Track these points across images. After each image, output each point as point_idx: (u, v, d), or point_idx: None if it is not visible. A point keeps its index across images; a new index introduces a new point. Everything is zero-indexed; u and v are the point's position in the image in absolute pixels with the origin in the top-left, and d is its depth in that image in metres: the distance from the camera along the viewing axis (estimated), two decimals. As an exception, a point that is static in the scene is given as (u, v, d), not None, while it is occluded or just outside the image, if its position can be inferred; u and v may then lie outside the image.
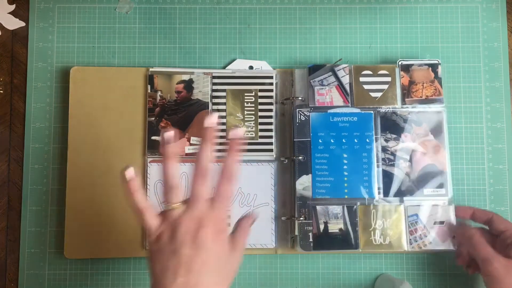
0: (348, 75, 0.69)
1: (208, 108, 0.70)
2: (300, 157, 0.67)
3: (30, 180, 0.70)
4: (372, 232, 0.66)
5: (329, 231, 0.66)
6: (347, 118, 0.68)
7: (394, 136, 0.68)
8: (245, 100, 0.70)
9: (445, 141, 0.68)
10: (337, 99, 0.69)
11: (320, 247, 0.66)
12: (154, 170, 0.69)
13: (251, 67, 0.72)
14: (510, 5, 0.74)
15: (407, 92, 0.69)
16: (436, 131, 0.68)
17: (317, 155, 0.68)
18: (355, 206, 0.67)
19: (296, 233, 0.66)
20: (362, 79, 0.69)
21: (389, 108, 0.69)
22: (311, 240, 0.66)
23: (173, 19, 0.73)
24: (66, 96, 0.70)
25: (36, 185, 0.70)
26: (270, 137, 0.70)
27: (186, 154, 0.69)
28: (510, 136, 0.72)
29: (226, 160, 0.53)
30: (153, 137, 0.69)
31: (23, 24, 0.73)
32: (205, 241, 0.48)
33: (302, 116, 0.68)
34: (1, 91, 0.72)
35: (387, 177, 0.67)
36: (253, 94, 0.70)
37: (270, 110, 0.70)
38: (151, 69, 0.70)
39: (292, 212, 0.68)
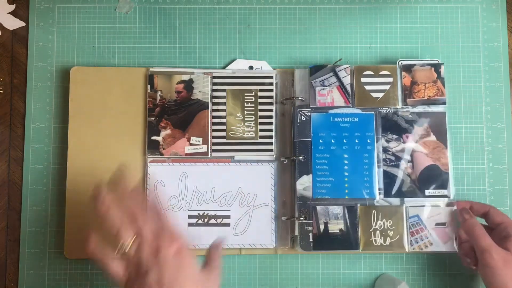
0: (349, 76, 0.69)
1: (208, 108, 0.70)
2: (301, 157, 0.67)
3: (30, 180, 0.70)
4: (372, 233, 0.66)
5: (329, 231, 0.66)
6: (348, 119, 0.68)
7: (395, 136, 0.68)
8: (245, 100, 0.70)
9: (448, 141, 0.68)
10: (338, 100, 0.69)
11: (320, 248, 0.66)
12: (154, 170, 0.69)
13: (251, 67, 0.72)
14: (510, 5, 0.74)
15: (409, 93, 0.69)
16: (438, 131, 0.68)
17: (318, 155, 0.68)
18: (355, 207, 0.67)
19: (296, 233, 0.67)
20: (363, 79, 0.69)
21: (390, 108, 0.69)
22: (311, 240, 0.66)
23: (173, 19, 0.73)
24: (66, 96, 0.70)
25: (36, 185, 0.70)
26: (270, 137, 0.70)
27: (186, 154, 0.69)
28: (510, 136, 0.72)
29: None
30: (153, 137, 0.69)
31: (23, 24, 0.73)
32: (167, 256, 0.50)
33: (302, 116, 0.68)
34: (1, 91, 0.72)
35: (388, 178, 0.67)
36: (253, 94, 0.70)
37: (270, 110, 0.70)
38: (151, 69, 0.70)
39: (292, 212, 0.68)
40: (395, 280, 0.66)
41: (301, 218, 0.66)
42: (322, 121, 0.68)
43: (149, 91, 0.70)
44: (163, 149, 0.69)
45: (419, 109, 0.69)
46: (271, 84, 0.71)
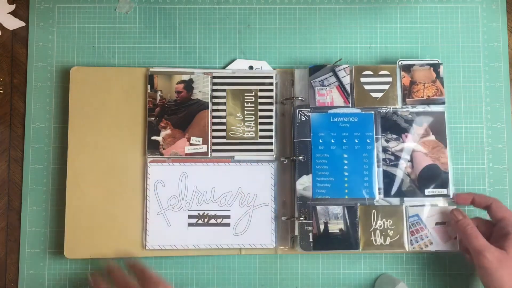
0: (348, 76, 0.69)
1: (208, 108, 0.70)
2: (301, 157, 0.68)
3: (30, 180, 0.70)
4: (372, 233, 0.66)
5: (329, 231, 0.66)
6: (348, 119, 0.68)
7: (394, 136, 0.68)
8: (245, 100, 0.70)
9: (447, 141, 0.68)
10: (338, 100, 0.69)
11: (320, 247, 0.66)
12: (154, 170, 0.69)
13: (251, 67, 0.72)
14: (510, 5, 0.74)
15: (408, 92, 0.69)
16: (438, 131, 0.68)
17: (318, 155, 0.68)
18: (355, 207, 0.67)
19: (296, 233, 0.67)
20: (362, 79, 0.69)
21: (390, 108, 0.69)
22: (311, 240, 0.66)
23: (173, 19, 0.73)
24: (66, 96, 0.70)
25: (36, 185, 0.70)
26: (270, 137, 0.70)
27: (186, 154, 0.69)
28: (510, 136, 0.72)
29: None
30: (153, 137, 0.69)
31: (23, 24, 0.73)
32: None
33: (302, 116, 0.68)
34: (1, 91, 0.72)
35: (388, 177, 0.67)
36: (253, 94, 0.70)
37: (270, 110, 0.70)
38: (151, 69, 0.70)
39: (292, 212, 0.68)
40: (394, 280, 0.66)
41: (301, 218, 0.66)
42: (321, 121, 0.68)
43: (149, 91, 0.70)
44: (163, 149, 0.69)
45: (419, 108, 0.69)
46: (271, 84, 0.71)
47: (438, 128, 0.68)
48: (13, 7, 0.73)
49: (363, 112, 0.69)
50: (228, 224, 0.68)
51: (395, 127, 0.68)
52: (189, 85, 0.70)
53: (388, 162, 0.68)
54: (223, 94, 0.70)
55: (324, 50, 0.73)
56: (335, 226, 0.66)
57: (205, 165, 0.69)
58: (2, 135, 0.71)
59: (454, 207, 0.67)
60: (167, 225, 0.68)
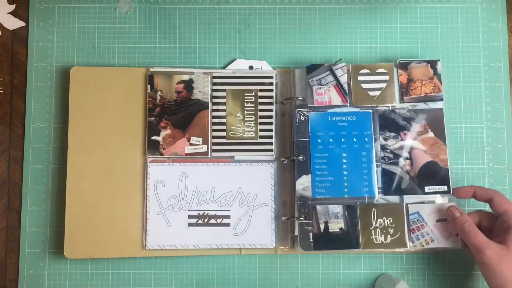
0: (346, 74, 0.69)
1: (208, 108, 0.70)
2: (300, 157, 0.67)
3: (30, 180, 0.70)
4: (373, 231, 0.66)
5: (330, 230, 0.66)
6: (346, 118, 0.68)
7: (393, 134, 0.68)
8: (245, 100, 0.70)
9: (446, 137, 0.68)
10: (336, 99, 0.69)
11: (321, 247, 0.66)
12: (154, 170, 0.69)
13: (251, 67, 0.72)
14: (510, 5, 0.74)
15: (405, 90, 0.69)
16: (436, 128, 0.68)
17: (317, 155, 0.68)
18: (355, 205, 0.67)
19: (296, 233, 0.66)
20: (360, 78, 0.69)
21: (388, 106, 0.69)
22: (311, 240, 0.66)
23: (173, 19, 0.73)
24: (66, 96, 0.70)
25: (36, 185, 0.70)
26: (270, 137, 0.70)
27: (186, 154, 0.69)
28: (510, 136, 0.72)
29: None
30: (153, 137, 0.69)
31: (23, 24, 0.73)
32: None
33: (301, 116, 0.68)
34: (1, 91, 0.72)
35: (387, 176, 0.67)
36: (253, 94, 0.70)
37: (270, 110, 0.70)
38: (151, 69, 0.70)
39: (292, 212, 0.68)
40: (394, 279, 0.66)
41: (301, 218, 0.66)
42: (320, 121, 0.68)
43: (149, 91, 0.70)
44: (163, 149, 0.69)
45: (416, 106, 0.69)
46: (271, 84, 0.71)
47: (436, 125, 0.68)
48: (13, 7, 0.73)
49: (361, 111, 0.69)
50: (228, 224, 0.68)
51: (393, 125, 0.68)
52: (189, 85, 0.70)
53: (387, 160, 0.68)
54: (223, 94, 0.70)
55: (324, 50, 0.73)
56: (335, 226, 0.66)
57: (205, 165, 0.69)
58: (2, 135, 0.71)
59: (454, 204, 0.66)
60: (167, 225, 0.68)
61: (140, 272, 0.69)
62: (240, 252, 0.68)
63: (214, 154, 0.69)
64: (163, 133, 0.69)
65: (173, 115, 0.69)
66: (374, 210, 0.66)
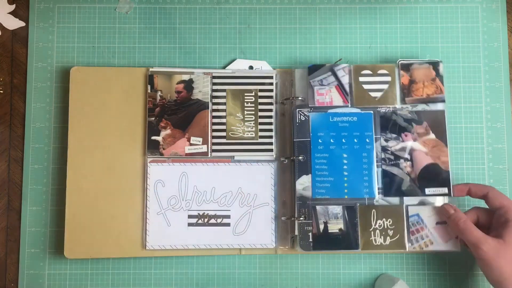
0: (347, 75, 0.69)
1: (208, 108, 0.70)
2: (300, 157, 0.67)
3: (30, 180, 0.70)
4: (372, 232, 0.66)
5: (329, 231, 0.66)
6: (347, 118, 0.68)
7: (394, 135, 0.68)
8: (245, 100, 0.70)
9: (447, 139, 0.68)
10: (337, 99, 0.69)
11: (320, 247, 0.66)
12: (154, 170, 0.69)
13: (251, 67, 0.72)
14: (510, 5, 0.74)
15: (407, 91, 0.69)
16: (438, 129, 0.68)
17: (317, 155, 0.68)
18: (355, 206, 0.67)
19: (296, 233, 0.66)
20: (361, 79, 0.69)
21: (389, 107, 0.69)
22: (311, 240, 0.66)
23: (173, 19, 0.73)
24: (66, 96, 0.70)
25: (36, 185, 0.70)
26: (270, 137, 0.70)
27: (186, 154, 0.69)
28: (510, 136, 0.72)
29: None
30: (153, 137, 0.69)
31: (23, 24, 0.73)
32: None
33: (302, 116, 0.68)
34: (1, 91, 0.72)
35: (388, 177, 0.67)
36: (253, 94, 0.70)
37: (270, 110, 0.70)
38: (151, 69, 0.70)
39: (292, 212, 0.68)
40: (393, 279, 0.66)
41: (301, 218, 0.66)
42: (321, 121, 0.68)
43: (149, 91, 0.70)
44: (163, 149, 0.69)
45: (418, 107, 0.69)
46: (271, 84, 0.71)
47: (438, 127, 0.68)
48: (13, 7, 0.73)
49: (362, 112, 0.68)
50: (228, 224, 0.68)
51: (394, 126, 0.68)
52: (189, 85, 0.70)
53: (387, 161, 0.68)
54: (223, 94, 0.70)
55: (324, 50, 0.73)
56: (335, 226, 0.66)
57: (205, 165, 0.69)
58: (2, 135, 0.71)
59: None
60: (167, 225, 0.68)
61: (140, 272, 0.69)
62: (240, 252, 0.68)
63: (214, 154, 0.69)
64: (163, 133, 0.69)
65: (173, 115, 0.69)
66: (373, 211, 0.66)
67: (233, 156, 0.69)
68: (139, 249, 0.68)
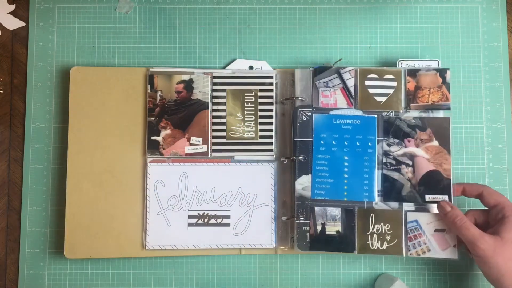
0: (353, 78, 0.69)
1: (208, 108, 0.70)
2: (301, 157, 0.67)
3: (30, 180, 0.70)
4: (369, 236, 0.66)
5: (326, 232, 0.66)
6: (350, 121, 0.68)
7: (397, 140, 0.67)
8: (245, 100, 0.70)
9: (451, 147, 0.67)
10: (341, 102, 0.68)
11: (317, 248, 0.66)
12: (154, 170, 0.69)
13: (251, 67, 0.72)
14: (510, 5, 0.74)
15: (412, 97, 0.68)
16: (441, 136, 0.67)
17: (318, 156, 0.67)
18: (353, 209, 0.66)
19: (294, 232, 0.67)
20: (367, 82, 0.69)
21: (393, 112, 0.68)
22: (308, 240, 0.66)
23: (173, 19, 0.73)
24: (66, 96, 0.70)
25: (36, 185, 0.70)
26: (270, 137, 0.70)
27: (186, 154, 0.69)
28: (510, 136, 0.72)
29: None
30: (153, 137, 0.69)
31: (23, 24, 0.73)
32: None
33: (304, 116, 0.68)
34: (1, 91, 0.72)
35: (388, 182, 0.67)
36: (253, 94, 0.70)
37: (270, 110, 0.70)
38: (151, 69, 0.70)
39: (292, 212, 0.68)
40: (392, 278, 0.66)
41: (300, 218, 0.66)
42: (324, 122, 0.68)
43: (149, 91, 0.70)
44: (163, 149, 0.69)
45: (422, 114, 0.68)
46: (271, 84, 0.71)
47: (441, 134, 0.67)
48: (13, 7, 0.73)
49: (366, 115, 0.68)
50: (228, 224, 0.68)
51: (397, 131, 0.68)
52: (189, 85, 0.70)
53: (389, 166, 0.67)
54: (223, 94, 0.70)
55: (324, 50, 0.73)
56: (332, 228, 0.66)
57: (205, 165, 0.69)
58: (2, 135, 0.71)
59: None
60: (167, 225, 0.68)
61: (140, 272, 0.69)
62: (240, 252, 0.68)
63: (214, 154, 0.69)
64: (163, 133, 0.69)
65: (173, 115, 0.69)
66: (372, 216, 0.66)
67: (233, 156, 0.69)
68: (139, 249, 0.68)
